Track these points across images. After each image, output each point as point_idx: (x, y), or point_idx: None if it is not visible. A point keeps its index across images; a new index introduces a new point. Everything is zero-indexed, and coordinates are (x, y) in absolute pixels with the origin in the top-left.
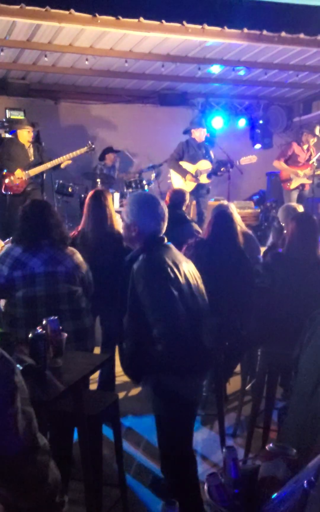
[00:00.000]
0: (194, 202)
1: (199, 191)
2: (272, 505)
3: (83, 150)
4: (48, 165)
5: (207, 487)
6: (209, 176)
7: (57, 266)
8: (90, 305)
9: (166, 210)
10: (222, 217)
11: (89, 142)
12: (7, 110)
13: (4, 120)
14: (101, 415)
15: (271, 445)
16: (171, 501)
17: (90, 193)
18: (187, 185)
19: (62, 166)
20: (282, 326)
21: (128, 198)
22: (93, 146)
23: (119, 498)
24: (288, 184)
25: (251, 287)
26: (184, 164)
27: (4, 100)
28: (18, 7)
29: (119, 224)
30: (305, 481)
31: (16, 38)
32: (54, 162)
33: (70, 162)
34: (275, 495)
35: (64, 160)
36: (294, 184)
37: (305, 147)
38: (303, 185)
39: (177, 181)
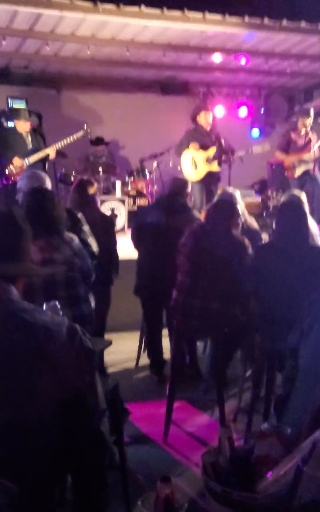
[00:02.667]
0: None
1: (210, 179)
2: (266, 482)
3: (79, 134)
4: (47, 150)
5: (202, 465)
6: (219, 164)
7: (53, 252)
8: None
9: None
10: (223, 205)
11: (85, 125)
12: (9, 99)
13: (6, 109)
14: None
15: (265, 425)
16: (166, 477)
17: (75, 182)
18: (199, 173)
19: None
20: (279, 313)
21: None
22: (89, 130)
23: (118, 480)
24: (292, 172)
25: (250, 274)
26: (192, 148)
27: (6, 89)
28: None
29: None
30: (299, 459)
31: (18, 27)
32: (53, 147)
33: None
34: (270, 473)
35: (62, 145)
36: (298, 172)
37: (303, 131)
38: (308, 171)
39: (187, 169)
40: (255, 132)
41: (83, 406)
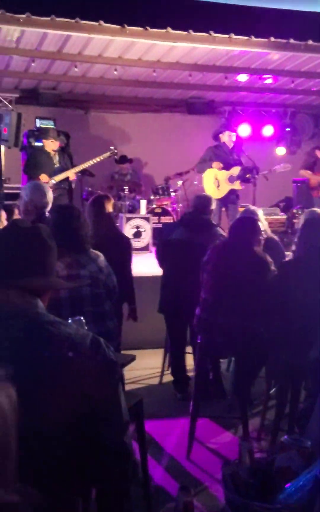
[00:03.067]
0: (223, 209)
1: (229, 197)
2: (286, 494)
3: (106, 155)
4: (73, 170)
5: (222, 476)
6: (242, 182)
7: (80, 269)
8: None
9: None
10: (245, 222)
11: (112, 147)
12: (37, 120)
13: (35, 129)
14: None
15: (286, 437)
16: (185, 487)
17: (91, 198)
18: (221, 190)
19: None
20: (302, 328)
21: None
22: (115, 151)
23: (141, 496)
24: (318, 191)
25: (274, 290)
26: (215, 168)
27: (35, 110)
28: (49, 18)
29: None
30: (318, 471)
31: (47, 49)
32: (78, 167)
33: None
34: (289, 484)
35: (88, 165)
36: None
37: None
38: None
39: (208, 186)
40: (281, 150)
41: (106, 418)
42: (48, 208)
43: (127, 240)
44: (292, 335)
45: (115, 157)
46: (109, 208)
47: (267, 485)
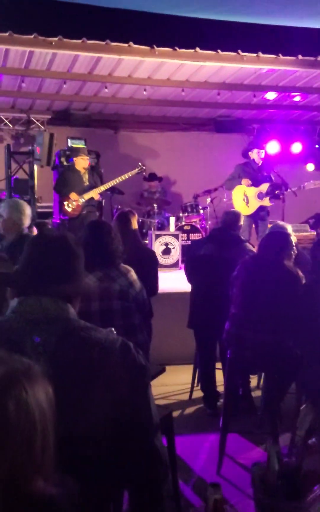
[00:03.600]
0: (253, 225)
1: (259, 214)
2: (313, 496)
3: (134, 172)
4: (102, 188)
5: (251, 477)
6: (271, 199)
7: (111, 283)
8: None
9: None
10: (276, 237)
11: (140, 164)
12: (69, 139)
13: (66, 148)
14: None
15: (313, 439)
16: (215, 484)
17: (116, 214)
18: (250, 207)
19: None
20: None
21: None
22: (144, 167)
23: (172, 509)
24: None
25: (304, 305)
26: (244, 185)
27: (66, 130)
28: (80, 41)
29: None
30: None
31: (78, 70)
32: (107, 184)
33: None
34: (316, 487)
35: (117, 183)
36: None
37: None
38: None
39: (238, 203)
40: (310, 167)
41: (136, 421)
42: (27, 225)
43: (152, 254)
44: None
45: (144, 174)
46: (135, 223)
47: (295, 488)
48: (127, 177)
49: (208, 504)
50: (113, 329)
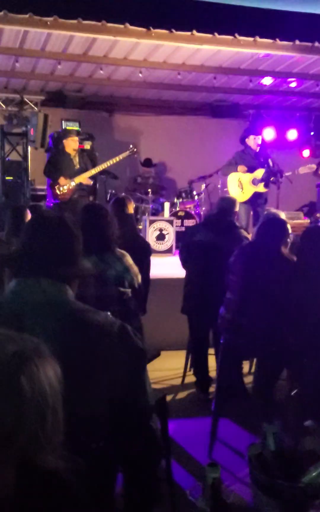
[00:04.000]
0: (251, 212)
1: (256, 201)
2: (310, 476)
3: (125, 154)
4: (93, 171)
5: (248, 456)
6: (266, 185)
7: (106, 268)
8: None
9: None
10: (273, 224)
11: (131, 145)
12: (63, 121)
13: (60, 131)
14: None
15: (309, 422)
16: (213, 464)
17: (112, 200)
18: (245, 194)
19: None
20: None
21: None
22: (135, 149)
23: (165, 493)
24: None
25: (295, 294)
26: (240, 172)
27: (60, 112)
28: (75, 21)
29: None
30: None
31: (73, 51)
32: (97, 168)
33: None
34: (313, 467)
35: (108, 166)
36: None
37: None
38: None
39: (233, 189)
40: (306, 153)
41: (133, 403)
42: None
43: (147, 245)
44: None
45: (140, 159)
46: (131, 209)
47: (292, 467)
48: (117, 160)
49: (206, 483)
50: (109, 313)
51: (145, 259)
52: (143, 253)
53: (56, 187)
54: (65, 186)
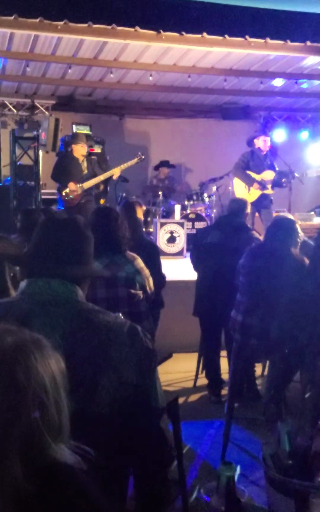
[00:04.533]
0: (256, 214)
1: (262, 202)
2: None
3: (133, 161)
4: (101, 177)
5: (262, 455)
6: (273, 187)
7: (117, 270)
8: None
9: None
10: (282, 225)
11: (139, 153)
12: (73, 125)
13: (70, 134)
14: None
15: None
16: (228, 462)
17: (122, 203)
18: (251, 195)
19: (114, 177)
20: None
21: None
22: (143, 156)
23: (176, 497)
24: None
25: (308, 295)
26: (250, 173)
27: (71, 116)
28: (85, 25)
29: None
30: None
31: (84, 55)
32: (106, 174)
33: (118, 173)
34: None
35: (116, 172)
36: None
37: None
38: None
39: (239, 190)
40: (304, 134)
41: (142, 403)
42: None
43: (155, 247)
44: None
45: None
46: (140, 214)
47: (306, 467)
48: (125, 167)
49: (221, 481)
50: (120, 314)
51: (154, 259)
52: (151, 254)
53: (64, 191)
54: (74, 191)
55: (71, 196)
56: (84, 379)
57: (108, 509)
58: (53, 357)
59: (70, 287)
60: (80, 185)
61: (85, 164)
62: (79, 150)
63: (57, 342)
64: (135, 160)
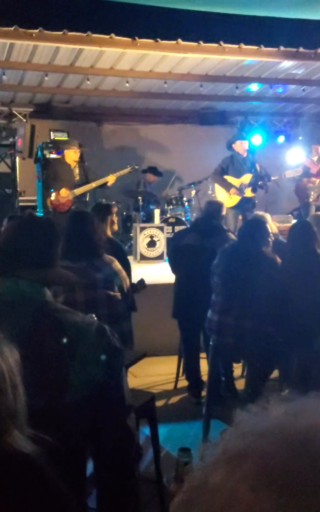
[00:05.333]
0: (240, 217)
1: (244, 205)
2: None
3: (126, 170)
4: (93, 184)
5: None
6: (254, 190)
7: (95, 272)
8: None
9: None
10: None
11: (133, 163)
12: (51, 132)
13: (48, 141)
14: (138, 410)
15: None
16: (185, 448)
17: (94, 205)
18: (232, 199)
19: (109, 184)
20: (307, 323)
21: None
22: (136, 167)
23: (154, 495)
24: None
25: (282, 293)
26: (229, 178)
27: (49, 124)
28: (61, 33)
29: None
30: None
31: (60, 63)
32: (99, 181)
33: (113, 180)
34: None
35: (110, 180)
36: (312, 197)
37: (315, 158)
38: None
39: (220, 195)
40: (281, 139)
41: (109, 402)
42: None
43: (119, 246)
44: (300, 334)
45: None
46: (109, 216)
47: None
48: (120, 174)
49: (178, 468)
50: (93, 315)
51: (124, 259)
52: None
53: (54, 198)
54: (65, 198)
55: (62, 201)
56: (52, 378)
57: (67, 498)
58: (8, 348)
59: (38, 287)
60: (72, 191)
61: (77, 171)
62: (71, 156)
63: (25, 342)
64: (128, 169)
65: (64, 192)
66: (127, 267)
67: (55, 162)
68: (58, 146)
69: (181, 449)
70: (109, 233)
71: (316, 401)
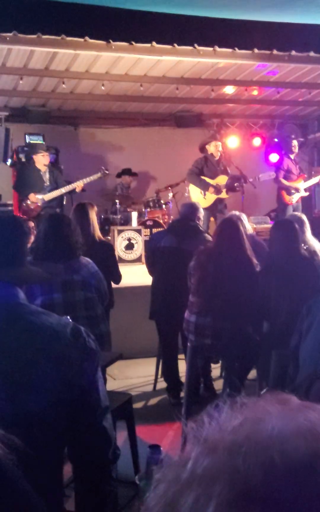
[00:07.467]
0: (212, 218)
1: (217, 206)
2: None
3: (96, 176)
4: (63, 190)
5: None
6: (227, 191)
7: (73, 274)
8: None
9: None
10: (228, 225)
11: (102, 167)
12: (26, 135)
13: (23, 145)
14: (115, 411)
15: None
16: (155, 445)
17: (74, 205)
18: (207, 200)
19: (77, 190)
20: (284, 322)
21: None
22: (106, 172)
23: (133, 496)
24: (291, 198)
25: (260, 293)
26: (205, 178)
27: (25, 127)
28: (35, 36)
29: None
30: None
31: (35, 66)
32: (69, 187)
33: (82, 186)
34: None
35: (78, 186)
36: (295, 199)
37: (292, 156)
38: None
39: (195, 196)
40: (274, 157)
41: (85, 403)
42: None
43: (109, 245)
44: (279, 333)
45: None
46: (93, 215)
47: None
48: (89, 180)
49: (149, 464)
50: (68, 317)
51: (110, 258)
52: (107, 253)
53: (24, 203)
54: (33, 203)
55: (31, 207)
56: (26, 380)
57: (33, 501)
58: None
59: (10, 290)
60: (41, 197)
61: (47, 176)
62: (40, 160)
63: None
64: (98, 174)
65: (32, 197)
66: (115, 264)
67: (24, 168)
68: (29, 151)
69: (150, 446)
70: (98, 232)
71: (270, 402)
